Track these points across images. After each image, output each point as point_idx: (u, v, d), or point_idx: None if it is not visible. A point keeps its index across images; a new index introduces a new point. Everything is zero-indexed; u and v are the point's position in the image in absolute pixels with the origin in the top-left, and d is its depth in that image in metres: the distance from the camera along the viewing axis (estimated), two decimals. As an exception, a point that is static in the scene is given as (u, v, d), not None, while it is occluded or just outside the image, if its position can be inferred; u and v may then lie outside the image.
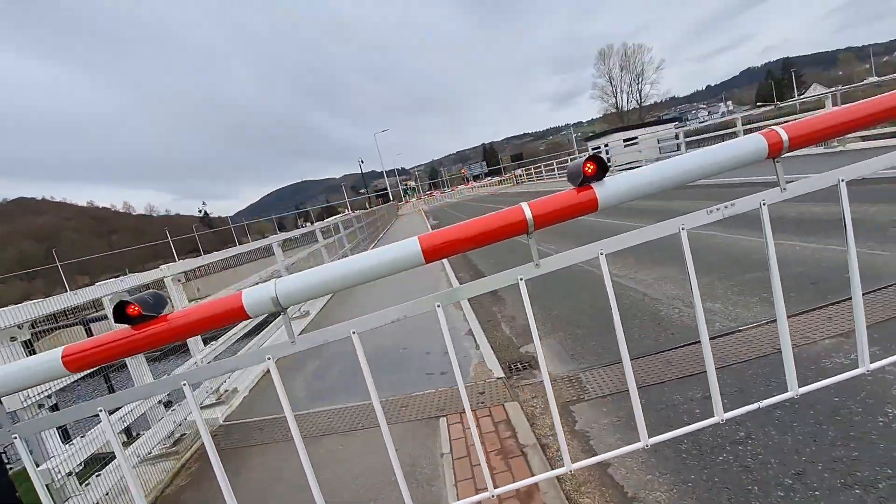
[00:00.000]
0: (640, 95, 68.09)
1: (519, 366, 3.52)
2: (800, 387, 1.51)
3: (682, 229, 1.51)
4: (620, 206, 1.37)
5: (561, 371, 3.22)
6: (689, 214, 1.48)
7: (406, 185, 60.37)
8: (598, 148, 35.59)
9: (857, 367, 1.49)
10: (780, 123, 1.54)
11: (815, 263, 3.96)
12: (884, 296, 3.05)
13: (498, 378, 3.26)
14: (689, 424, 1.39)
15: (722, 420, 1.53)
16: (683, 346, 3.13)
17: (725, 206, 1.47)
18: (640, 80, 67.86)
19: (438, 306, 1.45)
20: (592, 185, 1.38)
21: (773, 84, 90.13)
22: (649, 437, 1.38)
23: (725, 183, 9.47)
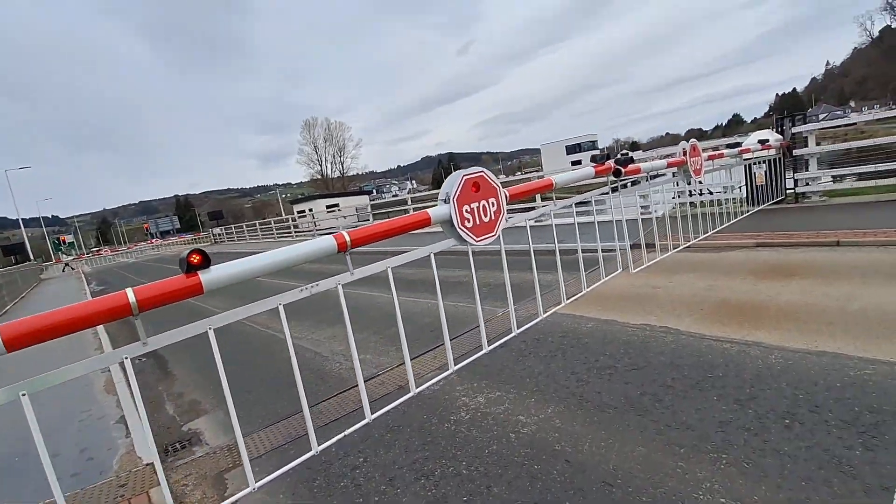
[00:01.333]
0: (342, 166, 74.69)
1: (177, 445, 3.34)
2: (372, 413, 2.12)
3: (281, 305, 1.97)
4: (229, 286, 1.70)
5: (223, 440, 3.25)
6: (287, 293, 1.94)
7: (59, 239, 46.60)
8: (304, 211, 36.95)
9: (410, 391, 2.21)
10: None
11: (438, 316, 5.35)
12: (469, 336, 4.42)
13: (147, 464, 3.02)
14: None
15: (317, 451, 1.98)
16: (335, 395, 3.68)
17: (312, 286, 2.00)
18: (343, 153, 74.80)
19: (24, 395, 1.42)
20: (199, 272, 1.67)
21: (443, 171, 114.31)
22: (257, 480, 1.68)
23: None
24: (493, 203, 2.63)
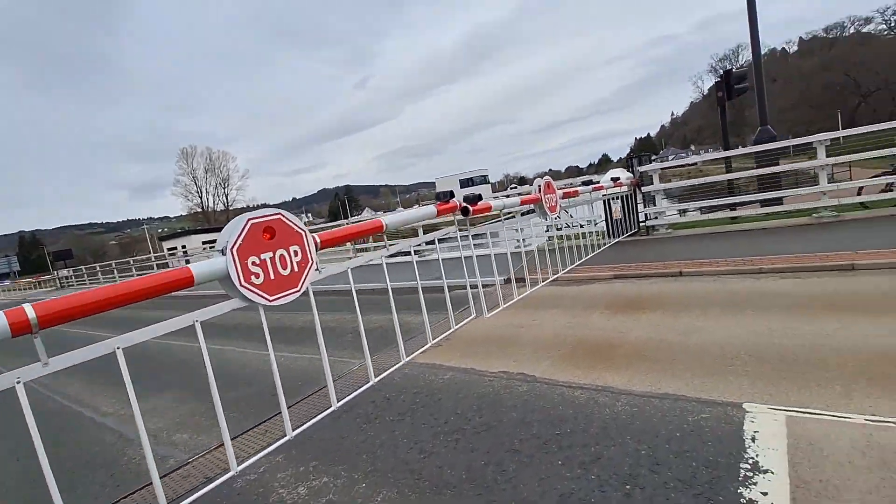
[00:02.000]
0: (227, 199, 69.39)
1: None
2: None
3: (18, 382, 1.31)
4: None
5: None
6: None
7: None
8: (175, 248, 33.04)
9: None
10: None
11: (290, 370, 4.65)
12: (318, 398, 3.79)
13: None
14: None
15: None
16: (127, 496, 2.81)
17: None
18: (227, 184, 69.65)
19: None
20: None
21: (339, 203, 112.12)
22: None
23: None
24: (296, 252, 2.13)
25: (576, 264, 5.63)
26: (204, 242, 30.74)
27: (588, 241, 6.35)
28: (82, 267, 28.75)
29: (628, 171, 8.36)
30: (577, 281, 6.27)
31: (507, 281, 7.32)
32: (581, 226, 9.49)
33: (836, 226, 6.49)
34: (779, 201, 7.61)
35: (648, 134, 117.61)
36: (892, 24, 44.89)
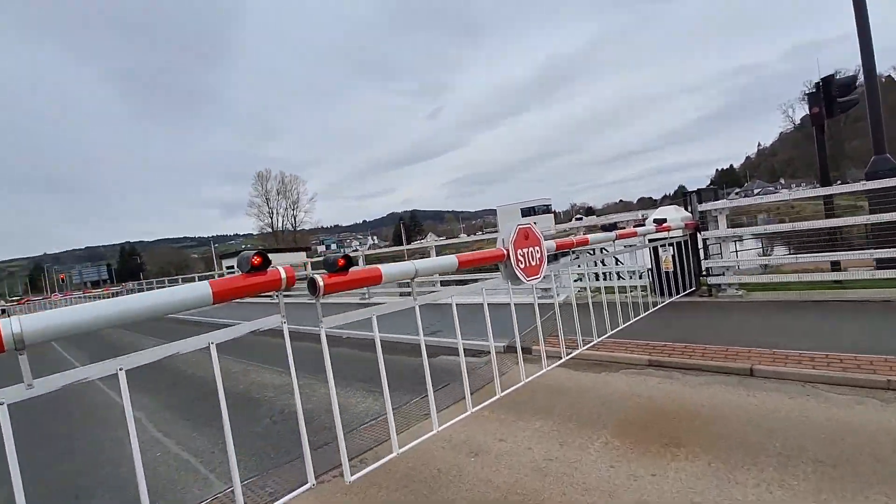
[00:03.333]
0: (295, 220, 72.31)
1: None
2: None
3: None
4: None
5: None
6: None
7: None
8: (232, 267, 34.08)
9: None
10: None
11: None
12: None
13: None
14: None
15: None
16: None
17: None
18: (296, 206, 72.70)
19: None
20: None
21: (403, 227, 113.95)
22: None
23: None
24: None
25: (604, 336, 3.97)
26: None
27: (632, 297, 4.66)
28: (143, 282, 30.23)
29: (686, 209, 6.45)
30: (597, 361, 4.52)
31: (509, 349, 5.63)
32: (620, 276, 7.60)
33: None
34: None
35: (731, 165, 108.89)
36: None
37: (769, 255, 11.53)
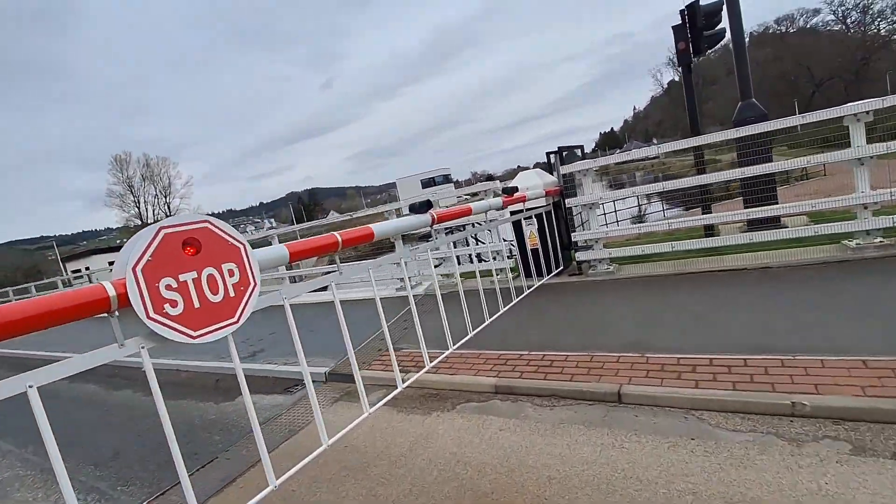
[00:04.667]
0: (168, 208, 63.77)
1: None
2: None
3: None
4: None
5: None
6: None
7: None
8: (79, 270, 28.64)
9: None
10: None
11: None
12: None
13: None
14: None
15: None
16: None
17: None
18: (168, 193, 64.01)
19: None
20: None
21: (302, 208, 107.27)
22: None
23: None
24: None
25: (451, 349, 2.66)
26: (110, 263, 26.59)
27: (499, 281, 3.46)
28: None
29: (551, 173, 5.41)
30: (434, 392, 3.27)
31: (329, 378, 4.25)
32: (481, 258, 6.50)
33: (891, 264, 3.70)
34: (775, 220, 4.82)
35: (612, 129, 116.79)
36: (840, 15, 44.14)
37: (643, 214, 11.38)
